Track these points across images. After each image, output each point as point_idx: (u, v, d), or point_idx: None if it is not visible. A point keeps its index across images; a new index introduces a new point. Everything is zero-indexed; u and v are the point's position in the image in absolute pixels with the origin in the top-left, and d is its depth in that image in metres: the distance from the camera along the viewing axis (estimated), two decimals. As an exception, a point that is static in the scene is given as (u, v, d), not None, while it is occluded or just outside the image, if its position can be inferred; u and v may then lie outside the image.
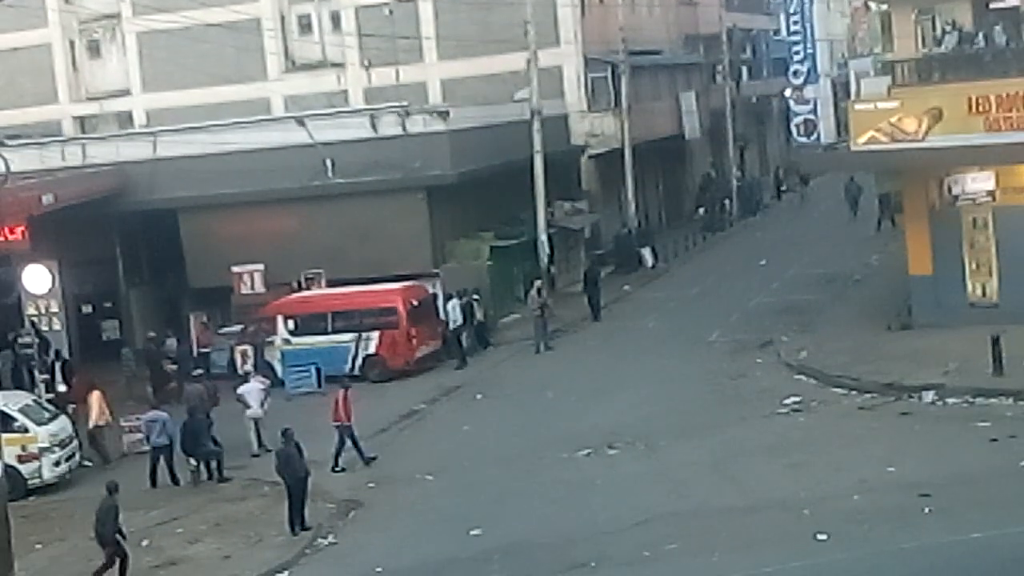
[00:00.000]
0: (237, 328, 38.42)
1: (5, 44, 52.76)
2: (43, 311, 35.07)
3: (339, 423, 28.02)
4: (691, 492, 23.55)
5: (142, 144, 42.15)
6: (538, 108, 42.38)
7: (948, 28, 35.83)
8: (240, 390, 30.68)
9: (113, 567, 22.37)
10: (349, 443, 28.02)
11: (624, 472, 25.19)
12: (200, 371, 34.25)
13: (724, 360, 33.81)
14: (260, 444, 29.92)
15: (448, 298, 37.82)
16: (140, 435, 30.14)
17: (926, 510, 20.87)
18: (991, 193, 32.53)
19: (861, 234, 50.32)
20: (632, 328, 39.55)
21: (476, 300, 38.18)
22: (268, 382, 31.81)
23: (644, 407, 29.66)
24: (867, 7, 79.32)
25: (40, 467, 28.70)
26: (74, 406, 31.80)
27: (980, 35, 35.25)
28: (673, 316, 40.35)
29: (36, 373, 32.97)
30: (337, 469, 27.74)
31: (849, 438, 25.66)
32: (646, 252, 50.24)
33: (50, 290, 34.64)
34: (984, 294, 32.83)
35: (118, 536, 22.47)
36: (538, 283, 39.20)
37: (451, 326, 37.28)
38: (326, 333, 36.59)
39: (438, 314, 38.02)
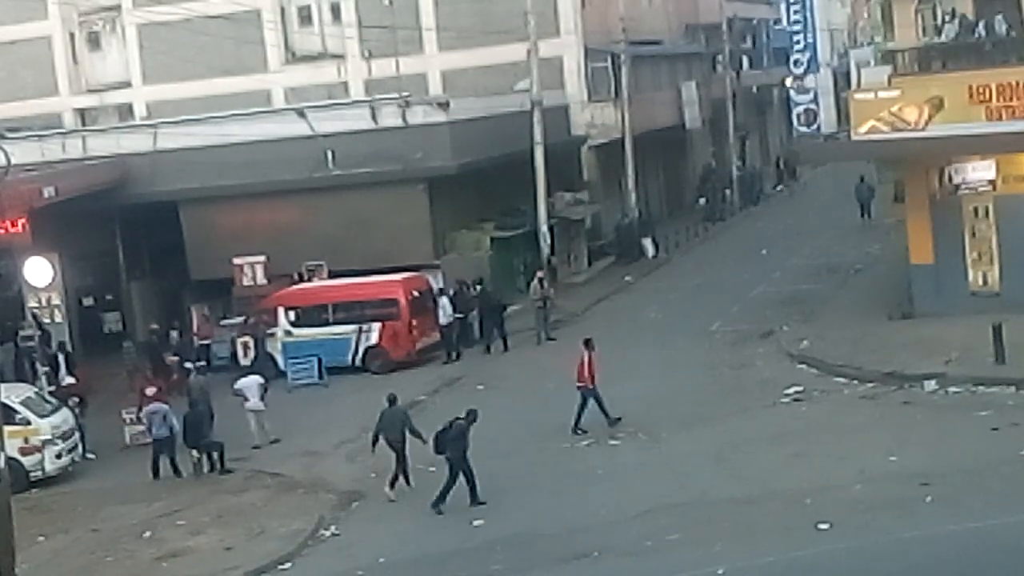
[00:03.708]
0: (238, 320, 38.44)
1: (5, 36, 52.75)
2: (44, 304, 35.21)
3: (583, 385, 27.61)
4: (693, 482, 23.57)
5: (142, 136, 42.15)
6: (538, 99, 42.34)
7: (948, 17, 35.80)
8: (238, 384, 30.70)
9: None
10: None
11: (626, 462, 25.22)
12: (201, 363, 34.28)
13: (725, 350, 33.82)
14: (265, 435, 29.97)
15: (440, 293, 37.76)
16: (142, 427, 30.17)
17: (928, 499, 20.89)
18: (992, 182, 32.50)
19: (862, 224, 50.30)
20: (633, 318, 39.55)
21: (479, 290, 38.17)
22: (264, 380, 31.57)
23: (646, 397, 29.66)
24: (868, -4, 79.26)
25: (42, 459, 28.73)
26: (78, 398, 31.82)
27: (981, 24, 35.21)
28: (674, 306, 40.34)
29: (38, 366, 33.00)
30: (579, 432, 27.34)
31: (851, 428, 25.68)
32: (647, 242, 50.22)
33: (51, 283, 34.77)
34: (985, 283, 32.82)
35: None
36: (539, 274, 39.20)
37: (442, 320, 37.17)
38: (327, 325, 36.61)
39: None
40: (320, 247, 39.64)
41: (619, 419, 27.63)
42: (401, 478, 25.22)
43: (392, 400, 25.97)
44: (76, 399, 31.52)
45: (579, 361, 27.74)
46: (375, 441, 25.58)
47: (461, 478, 23.83)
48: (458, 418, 24.18)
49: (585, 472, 24.72)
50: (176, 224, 41.16)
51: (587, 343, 28.02)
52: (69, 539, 24.82)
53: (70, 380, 33.82)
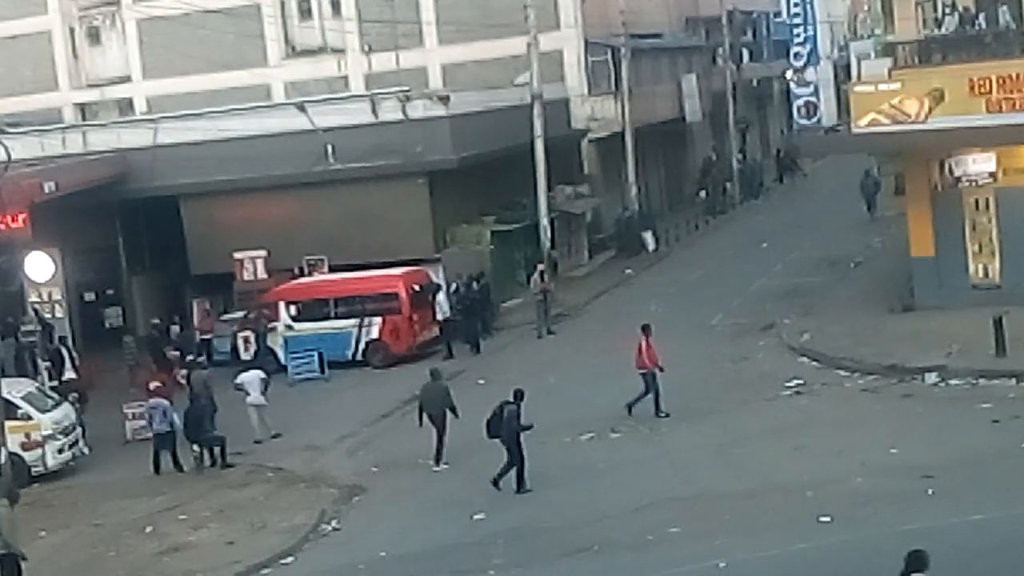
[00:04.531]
0: (239, 315, 38.44)
1: (5, 31, 52.80)
2: (45, 299, 35.24)
3: (643, 369, 27.63)
4: (694, 476, 23.58)
5: (143, 131, 42.13)
6: (539, 92, 42.34)
7: (949, 9, 35.74)
8: (239, 379, 30.69)
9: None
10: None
11: (627, 456, 25.23)
12: (201, 357, 34.29)
13: (726, 343, 33.82)
14: (266, 430, 29.99)
15: (437, 289, 37.73)
16: (143, 422, 30.19)
17: (929, 492, 20.90)
18: (993, 175, 32.49)
19: (863, 217, 50.27)
20: (634, 312, 39.46)
21: (481, 284, 38.21)
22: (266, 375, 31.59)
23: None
24: (868, -12, 79.13)
25: (43, 454, 28.74)
26: (78, 393, 31.81)
27: (981, 16, 35.15)
28: (675, 300, 40.32)
29: (39, 361, 33.01)
30: (661, 414, 27.41)
31: (852, 420, 25.68)
32: (648, 236, 50.21)
33: (52, 278, 34.76)
34: (986, 275, 32.81)
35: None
36: (540, 268, 39.21)
37: (440, 316, 37.13)
38: (328, 319, 36.63)
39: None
40: (321, 241, 39.66)
41: (668, 415, 27.48)
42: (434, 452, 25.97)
43: (434, 374, 26.81)
44: (76, 394, 31.52)
45: (637, 347, 27.76)
46: (421, 415, 26.23)
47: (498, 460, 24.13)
48: (507, 402, 24.30)
49: (586, 466, 24.73)
50: (177, 219, 41.17)
51: (644, 328, 28.08)
52: (70, 534, 24.83)
53: (71, 375, 33.81)
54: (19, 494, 21.77)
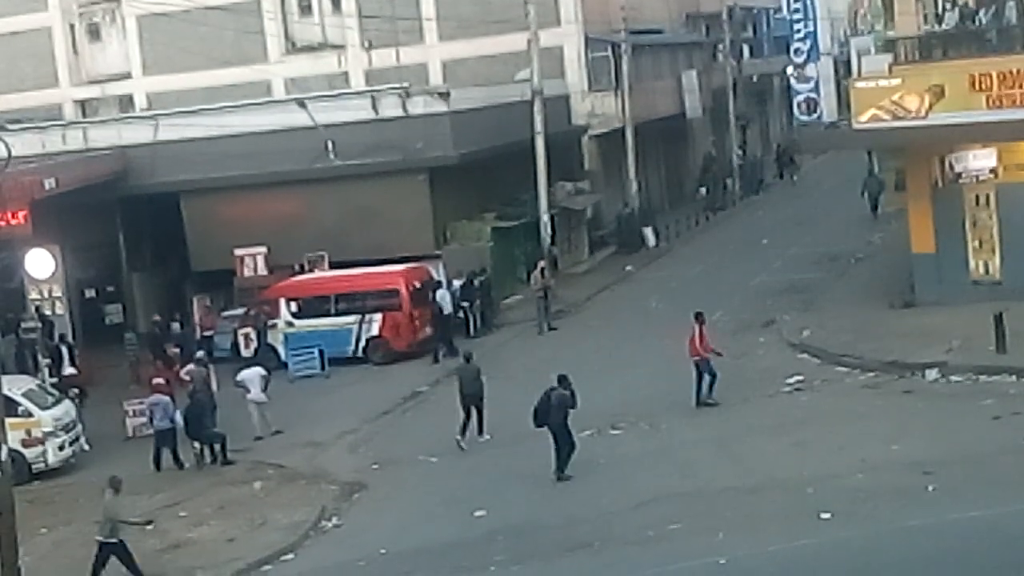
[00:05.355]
0: (240, 311, 38.44)
1: (5, 28, 52.77)
2: (46, 295, 35.25)
3: (697, 357, 27.72)
4: (695, 472, 23.59)
5: (143, 127, 42.12)
6: (539, 88, 42.32)
7: (949, 5, 35.71)
8: (240, 375, 30.69)
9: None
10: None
11: (627, 452, 25.24)
12: (202, 354, 34.27)
13: (727, 339, 33.65)
14: (267, 427, 30.00)
15: (438, 286, 37.71)
16: (144, 418, 30.20)
17: (929, 488, 20.90)
18: (993, 170, 32.47)
19: (864, 213, 50.22)
20: (634, 308, 39.55)
21: (482, 280, 38.19)
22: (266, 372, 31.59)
23: (647, 387, 29.69)
24: (868, -16, 79.11)
25: (44, 451, 28.76)
26: (78, 390, 31.82)
27: (981, 12, 35.12)
28: (675, 296, 40.28)
29: (39, 358, 33.02)
30: (711, 402, 27.55)
31: (852, 417, 25.68)
32: (648, 232, 50.23)
33: (53, 274, 34.80)
34: (987, 272, 32.81)
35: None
36: (540, 264, 39.21)
37: (441, 313, 37.11)
38: (329, 315, 36.62)
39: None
40: (321, 238, 39.64)
41: (717, 404, 27.67)
42: (474, 427, 27.31)
43: (468, 357, 28.27)
44: (76, 390, 31.52)
45: (690, 335, 27.87)
46: (462, 395, 27.36)
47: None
48: (553, 388, 24.41)
49: (587, 462, 24.70)
50: (177, 215, 41.16)
51: (698, 316, 28.24)
52: (71, 531, 24.83)
53: (71, 371, 33.81)
54: (122, 481, 22.06)
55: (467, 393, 27.38)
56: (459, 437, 26.99)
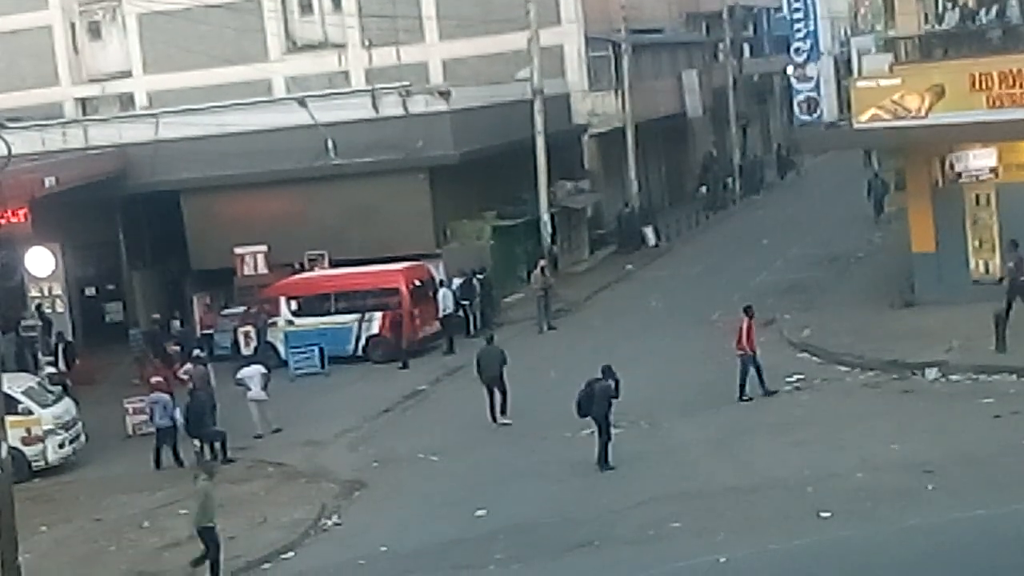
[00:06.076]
0: (240, 310, 38.44)
1: (6, 26, 52.71)
2: (46, 294, 35.24)
3: (742, 352, 27.85)
4: (695, 471, 23.59)
5: (144, 126, 42.07)
6: (539, 87, 42.33)
7: (950, 5, 35.70)
8: (240, 374, 30.69)
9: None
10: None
11: (627, 451, 25.20)
12: (202, 352, 34.29)
13: (727, 339, 33.75)
14: (267, 425, 30.00)
15: (440, 284, 37.74)
16: (144, 416, 30.20)
17: (929, 487, 20.91)
18: (994, 170, 32.48)
19: (864, 213, 50.21)
20: (634, 307, 39.56)
21: (481, 279, 38.19)
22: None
23: (647, 386, 29.63)
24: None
25: (44, 449, 28.74)
26: (63, 386, 31.71)
27: (982, 11, 35.12)
28: (675, 295, 40.33)
29: (40, 356, 32.99)
30: (745, 398, 27.60)
31: (852, 416, 25.69)
32: (648, 231, 50.24)
33: (53, 273, 34.82)
34: (987, 271, 32.80)
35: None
36: (541, 263, 39.22)
37: (442, 313, 37.15)
38: (329, 314, 36.63)
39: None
40: (321, 236, 39.62)
41: (775, 392, 27.77)
42: (498, 409, 28.06)
43: (489, 339, 29.30)
44: (61, 387, 31.40)
45: (738, 329, 28.01)
46: (482, 377, 28.19)
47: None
48: (597, 379, 24.56)
49: (587, 461, 24.71)
50: (177, 214, 41.14)
51: (747, 310, 28.45)
52: (71, 529, 24.84)
53: (51, 370, 33.49)
54: (216, 469, 22.33)
55: (490, 375, 28.09)
56: (495, 419, 28.00)
